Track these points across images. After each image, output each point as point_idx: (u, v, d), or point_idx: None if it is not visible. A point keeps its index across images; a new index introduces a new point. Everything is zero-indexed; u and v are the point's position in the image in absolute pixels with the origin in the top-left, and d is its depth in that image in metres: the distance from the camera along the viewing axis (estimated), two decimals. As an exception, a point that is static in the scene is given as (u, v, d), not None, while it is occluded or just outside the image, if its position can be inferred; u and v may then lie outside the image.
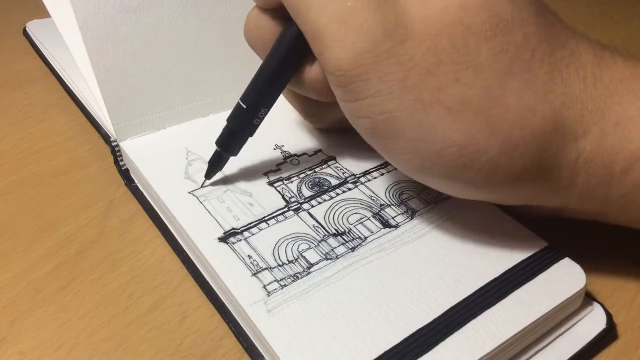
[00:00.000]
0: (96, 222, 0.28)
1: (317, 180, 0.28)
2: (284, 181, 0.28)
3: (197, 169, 0.28)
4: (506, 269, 0.23)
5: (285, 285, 0.23)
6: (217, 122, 0.32)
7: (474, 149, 0.21)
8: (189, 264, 0.26)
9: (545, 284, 0.23)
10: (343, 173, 0.29)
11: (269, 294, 0.22)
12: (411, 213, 0.26)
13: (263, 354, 0.22)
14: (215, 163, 0.27)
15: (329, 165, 0.29)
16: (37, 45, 0.41)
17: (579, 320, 0.24)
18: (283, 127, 0.31)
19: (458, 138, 0.21)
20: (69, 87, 0.37)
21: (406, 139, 0.21)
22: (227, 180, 0.28)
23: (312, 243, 0.25)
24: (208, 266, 0.24)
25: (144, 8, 0.31)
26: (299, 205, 0.27)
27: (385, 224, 0.26)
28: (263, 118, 0.26)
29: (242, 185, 0.28)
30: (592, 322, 0.24)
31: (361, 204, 0.27)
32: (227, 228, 0.25)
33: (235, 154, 0.27)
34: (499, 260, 0.24)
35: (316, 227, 0.26)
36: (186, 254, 0.26)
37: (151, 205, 0.29)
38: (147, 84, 0.31)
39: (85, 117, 0.35)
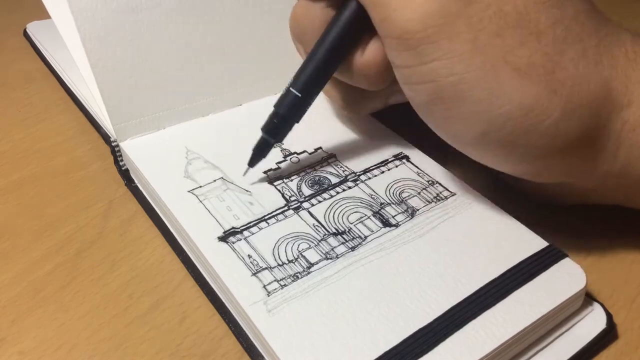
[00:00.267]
0: (96, 222, 0.28)
1: (317, 178, 0.28)
2: (284, 180, 0.28)
3: (197, 168, 0.28)
4: (506, 269, 0.23)
5: (285, 285, 0.23)
6: (217, 122, 0.32)
7: (538, 111, 0.21)
8: (189, 264, 0.26)
9: (546, 284, 0.23)
10: (343, 171, 0.29)
11: (269, 293, 0.22)
12: (411, 212, 0.26)
13: (263, 354, 0.22)
14: (261, 150, 0.27)
15: (329, 163, 0.29)
16: (37, 46, 0.41)
17: (579, 321, 0.24)
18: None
19: (524, 100, 0.21)
20: (69, 87, 0.37)
21: (472, 101, 0.22)
22: (227, 179, 0.28)
23: (312, 242, 0.25)
24: (208, 266, 0.24)
25: (142, 8, 0.31)
26: (299, 204, 0.27)
27: (386, 223, 0.26)
28: (312, 103, 0.27)
29: (242, 184, 0.28)
30: (592, 322, 0.24)
31: (361, 202, 0.27)
32: (227, 227, 0.25)
33: (281, 140, 0.27)
34: (499, 260, 0.24)
35: (316, 227, 0.25)
36: (186, 253, 0.26)
37: (151, 205, 0.29)
38: (146, 84, 0.31)
39: (85, 117, 0.35)
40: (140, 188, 0.30)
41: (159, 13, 0.31)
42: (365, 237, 0.25)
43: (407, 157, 0.29)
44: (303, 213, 0.26)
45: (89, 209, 0.29)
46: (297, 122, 0.27)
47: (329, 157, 0.30)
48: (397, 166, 0.29)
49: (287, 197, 0.27)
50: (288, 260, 0.24)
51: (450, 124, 0.23)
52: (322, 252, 0.24)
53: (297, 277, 0.23)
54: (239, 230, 0.25)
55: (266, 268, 0.23)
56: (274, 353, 0.20)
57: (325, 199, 0.27)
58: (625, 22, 0.25)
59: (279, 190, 0.27)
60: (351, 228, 0.25)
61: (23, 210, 0.29)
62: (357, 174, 0.28)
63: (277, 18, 0.34)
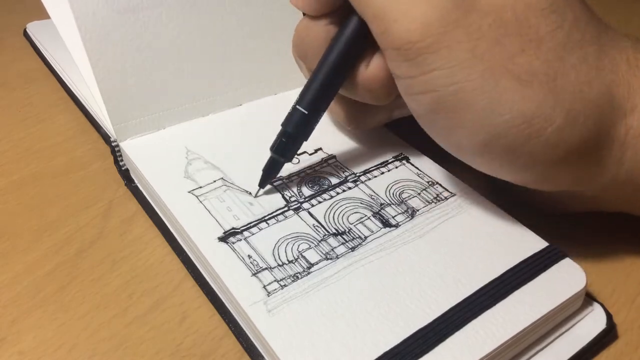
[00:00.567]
0: (96, 222, 0.28)
1: (317, 179, 0.28)
2: (284, 180, 0.28)
3: (197, 169, 0.28)
4: (506, 269, 0.23)
5: (285, 286, 0.23)
6: (217, 122, 0.32)
7: (540, 118, 0.21)
8: (189, 264, 0.26)
9: (546, 284, 0.23)
10: (343, 172, 0.29)
11: (269, 294, 0.22)
12: (411, 212, 0.26)
13: (263, 354, 0.22)
14: (271, 170, 0.27)
15: (329, 164, 0.29)
16: (37, 46, 0.41)
17: (579, 321, 0.24)
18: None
19: (526, 108, 0.21)
20: (69, 87, 0.37)
21: (473, 110, 0.22)
22: (227, 179, 0.28)
23: (312, 243, 0.25)
24: (208, 266, 0.24)
25: (142, 8, 0.31)
26: (299, 204, 0.27)
27: (386, 224, 0.26)
28: (319, 120, 0.27)
29: (242, 184, 0.28)
30: (592, 322, 0.24)
31: (361, 203, 0.27)
32: (227, 228, 0.25)
33: (291, 159, 0.27)
34: (499, 260, 0.24)
35: (316, 227, 0.25)
36: (186, 253, 0.26)
37: (151, 205, 0.29)
38: (146, 84, 0.31)
39: (85, 117, 0.35)
40: (140, 188, 0.30)
41: (160, 13, 0.31)
42: (366, 237, 0.25)
43: (407, 158, 0.29)
44: (303, 213, 0.26)
45: (89, 209, 0.29)
46: (306, 140, 0.27)
47: (329, 158, 0.30)
48: (397, 167, 0.29)
49: (287, 198, 0.27)
50: (288, 260, 0.24)
51: (453, 134, 0.23)
52: (322, 253, 0.24)
53: (297, 277, 0.23)
54: (239, 230, 0.25)
55: (266, 268, 0.23)
56: (274, 353, 0.20)
57: (325, 199, 0.27)
58: (625, 22, 0.25)
59: (279, 191, 0.27)
60: (351, 228, 0.25)
61: (23, 210, 0.29)
62: (357, 174, 0.29)
63: (278, 18, 0.34)
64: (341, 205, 0.27)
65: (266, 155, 0.27)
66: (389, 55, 0.23)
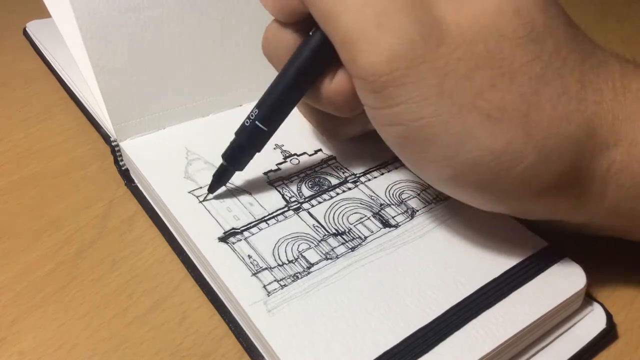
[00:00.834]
0: (96, 222, 0.28)
1: (317, 179, 0.28)
2: (284, 181, 0.28)
3: (197, 169, 0.28)
4: (506, 269, 0.23)
5: (285, 285, 0.23)
6: (217, 122, 0.32)
7: (510, 156, 0.20)
8: (189, 264, 0.26)
9: (546, 284, 0.23)
10: (343, 172, 0.29)
11: (269, 294, 0.22)
12: (411, 213, 0.26)
13: (263, 354, 0.22)
14: (221, 177, 0.27)
15: (329, 165, 0.29)
16: (37, 46, 0.41)
17: (579, 321, 0.24)
18: (283, 127, 0.31)
19: (495, 145, 0.20)
20: (69, 87, 0.37)
21: (440, 146, 0.21)
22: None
23: (312, 243, 0.25)
24: (208, 266, 0.24)
25: (143, 8, 0.31)
26: (299, 205, 0.27)
27: (386, 224, 0.26)
28: (274, 133, 0.26)
29: (242, 184, 0.28)
30: (592, 322, 0.24)
31: (361, 203, 0.27)
32: (227, 228, 0.25)
33: (242, 168, 0.27)
34: (499, 260, 0.24)
35: (316, 227, 0.26)
36: (186, 254, 0.26)
37: (151, 205, 0.29)
38: (147, 84, 0.31)
39: (85, 117, 0.35)
40: (140, 188, 0.30)
41: (160, 12, 0.31)
42: (365, 237, 0.25)
43: (407, 158, 0.29)
44: (303, 214, 0.26)
45: (89, 209, 0.29)
46: (259, 151, 0.26)
47: (329, 159, 0.30)
48: (396, 168, 0.29)
49: (287, 198, 0.27)
50: (288, 260, 0.24)
51: (421, 167, 0.22)
52: (322, 253, 0.24)
53: (297, 277, 0.23)
54: (239, 230, 0.25)
55: (266, 268, 0.23)
56: (274, 353, 0.20)
57: (325, 199, 0.27)
58: (625, 22, 0.25)
59: (279, 191, 0.27)
60: (351, 229, 0.25)
61: (23, 210, 0.29)
62: (357, 175, 0.29)
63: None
64: (341, 206, 0.27)
65: (266, 155, 0.27)
66: (356, 83, 0.22)
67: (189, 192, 0.27)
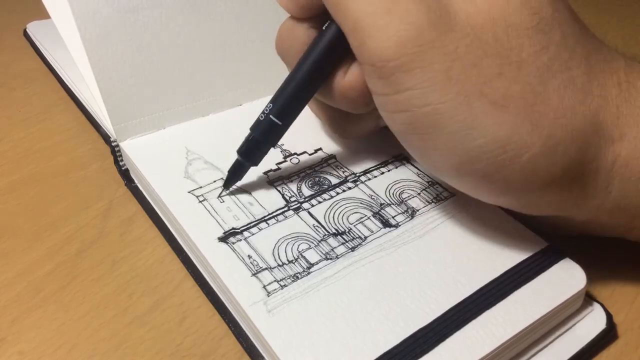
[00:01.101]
0: (96, 222, 0.28)
1: (317, 179, 0.28)
2: (284, 180, 0.28)
3: (197, 169, 0.28)
4: (506, 269, 0.23)
5: (285, 286, 0.23)
6: (217, 122, 0.32)
7: (515, 145, 0.20)
8: (189, 264, 0.26)
9: (546, 285, 0.23)
10: (343, 172, 0.29)
11: (269, 294, 0.22)
12: (411, 212, 0.26)
13: (263, 354, 0.22)
14: (236, 172, 0.27)
15: (329, 164, 0.29)
16: (37, 46, 0.41)
17: (579, 321, 0.24)
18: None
19: (501, 133, 0.20)
20: (69, 87, 0.37)
21: (447, 133, 0.21)
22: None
23: (312, 243, 0.25)
24: (208, 266, 0.24)
25: (143, 8, 0.31)
26: (299, 204, 0.27)
27: (386, 224, 0.26)
28: (289, 127, 0.26)
29: (242, 184, 0.28)
30: (592, 322, 0.24)
31: (361, 203, 0.27)
32: (227, 228, 0.25)
33: (257, 163, 0.27)
34: (499, 260, 0.24)
35: (316, 227, 0.26)
36: (186, 254, 0.26)
37: (151, 205, 0.29)
38: (146, 84, 0.31)
39: (85, 117, 0.35)
40: (140, 188, 0.30)
41: (160, 13, 0.31)
42: (365, 237, 0.25)
43: (406, 158, 0.29)
44: (303, 214, 0.26)
45: (89, 209, 0.29)
46: (274, 146, 0.27)
47: (329, 159, 0.30)
48: (397, 167, 0.29)
49: (287, 198, 0.27)
50: (288, 260, 0.24)
51: (427, 155, 0.22)
52: (322, 253, 0.24)
53: (297, 277, 0.23)
54: (239, 230, 0.25)
55: (266, 268, 0.23)
56: (274, 353, 0.20)
57: (325, 199, 0.27)
58: (625, 22, 0.25)
59: (279, 191, 0.27)
60: (351, 228, 0.25)
61: (23, 210, 0.29)
62: (357, 175, 0.29)
63: (278, 18, 0.34)
64: (341, 206, 0.27)
65: (266, 156, 0.27)
66: (365, 70, 0.22)
67: (189, 192, 0.27)
